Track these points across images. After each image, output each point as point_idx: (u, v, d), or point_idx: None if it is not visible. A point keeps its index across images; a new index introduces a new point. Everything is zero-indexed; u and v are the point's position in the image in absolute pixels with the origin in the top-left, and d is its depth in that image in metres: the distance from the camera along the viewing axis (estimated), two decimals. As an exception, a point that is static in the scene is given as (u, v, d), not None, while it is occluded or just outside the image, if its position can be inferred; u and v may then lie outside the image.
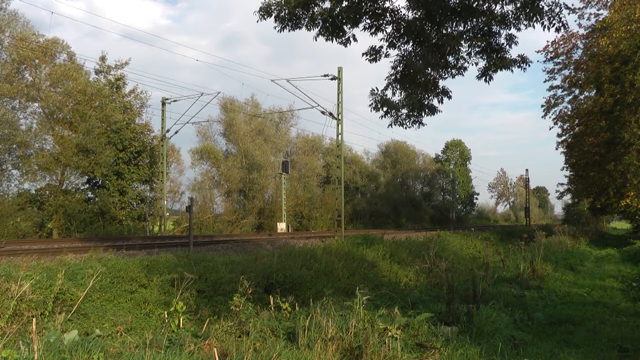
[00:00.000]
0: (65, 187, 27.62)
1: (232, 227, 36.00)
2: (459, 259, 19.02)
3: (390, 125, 8.33)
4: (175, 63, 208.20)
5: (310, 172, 45.00)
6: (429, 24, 7.58)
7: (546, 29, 6.80)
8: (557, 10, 6.72)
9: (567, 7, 6.85)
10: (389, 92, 8.18)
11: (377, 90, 8.06)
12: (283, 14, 7.20)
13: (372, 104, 8.04)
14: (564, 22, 6.75)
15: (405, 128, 8.70)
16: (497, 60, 7.61)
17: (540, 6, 6.72)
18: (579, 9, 24.52)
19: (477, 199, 78.09)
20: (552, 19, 6.74)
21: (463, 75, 8.23)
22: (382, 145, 61.98)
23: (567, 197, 57.58)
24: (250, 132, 41.49)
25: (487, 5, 7.13)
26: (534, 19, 6.79)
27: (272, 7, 7.15)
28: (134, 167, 30.58)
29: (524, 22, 6.98)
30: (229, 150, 42.57)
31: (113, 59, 41.59)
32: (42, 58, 25.93)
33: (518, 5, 6.86)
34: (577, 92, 28.00)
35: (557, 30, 6.82)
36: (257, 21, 7.31)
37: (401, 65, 8.03)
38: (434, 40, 7.59)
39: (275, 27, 7.35)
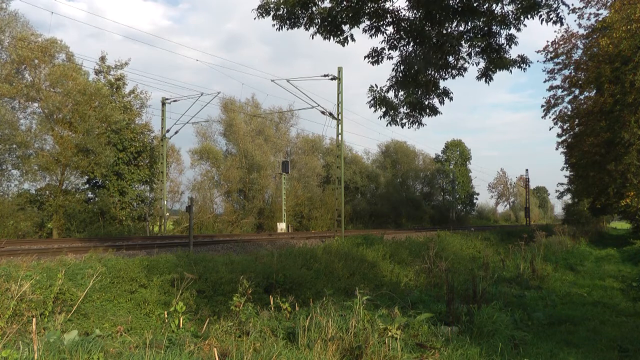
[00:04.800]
0: (65, 187, 27.62)
1: (232, 227, 35.98)
2: (459, 259, 19.01)
3: (389, 124, 8.32)
4: (176, 63, 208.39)
5: (310, 172, 44.98)
6: (429, 24, 7.58)
7: (544, 22, 6.83)
8: (555, 5, 6.75)
9: (564, 3, 6.90)
10: (390, 94, 8.18)
11: (377, 87, 8.06)
12: (281, 12, 7.19)
13: (370, 100, 8.04)
14: (562, 16, 6.78)
15: (403, 127, 8.70)
16: (497, 61, 7.62)
17: (537, 2, 6.74)
18: (579, 8, 24.55)
19: (477, 199, 78.18)
20: (550, 12, 6.77)
21: (463, 75, 8.25)
22: (382, 145, 62.04)
23: (567, 197, 57.67)
24: (250, 132, 41.48)
25: (487, 5, 7.14)
26: (532, 12, 6.82)
27: (271, 6, 7.13)
28: (134, 167, 30.57)
29: (522, 16, 7.01)
30: (229, 150, 42.57)
31: (113, 60, 41.64)
32: (41, 58, 25.92)
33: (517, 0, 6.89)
34: (577, 92, 28.00)
35: (555, 23, 6.85)
36: (255, 18, 7.28)
37: (402, 66, 8.03)
38: (434, 40, 7.59)
39: (274, 26, 7.35)
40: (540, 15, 6.82)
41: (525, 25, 7.22)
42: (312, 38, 7.56)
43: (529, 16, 6.96)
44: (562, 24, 6.88)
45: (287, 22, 7.31)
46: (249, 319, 6.19)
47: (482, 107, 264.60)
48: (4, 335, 5.51)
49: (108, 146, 28.03)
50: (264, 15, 7.21)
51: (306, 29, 7.42)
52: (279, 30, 7.37)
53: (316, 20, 7.33)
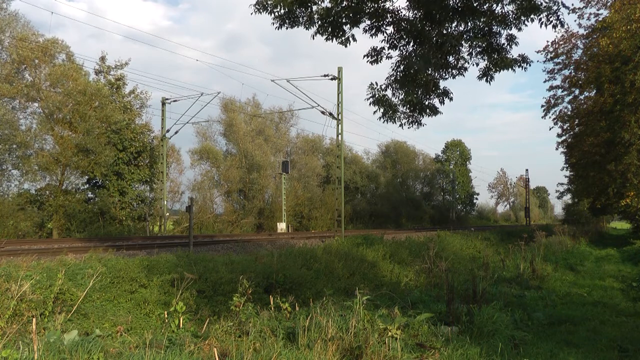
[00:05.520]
0: (65, 187, 27.62)
1: (232, 227, 35.99)
2: (459, 259, 19.01)
3: (386, 121, 8.28)
4: (176, 63, 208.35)
5: (310, 172, 44.98)
6: (429, 24, 7.58)
7: (544, 25, 6.82)
8: (555, 7, 6.74)
9: (564, 6, 6.88)
10: (388, 92, 8.17)
11: (377, 84, 8.05)
12: (279, 10, 7.16)
13: (369, 98, 8.03)
14: (562, 19, 6.76)
15: (402, 127, 8.68)
16: (498, 60, 7.61)
17: (538, 2, 6.73)
18: (579, 8, 24.52)
19: (477, 199, 78.16)
20: (550, 15, 6.75)
21: (463, 75, 8.24)
22: (382, 145, 62.02)
23: (567, 197, 57.68)
24: (251, 132, 41.48)
25: (487, 5, 7.13)
26: (532, 15, 6.81)
27: (268, 2, 7.10)
28: (134, 167, 30.57)
29: (522, 18, 7.00)
30: (229, 151, 42.58)
31: (113, 60, 41.62)
32: (41, 58, 25.92)
33: (518, 1, 6.87)
34: (577, 92, 27.98)
35: (555, 27, 6.83)
36: (252, 14, 7.25)
37: (402, 65, 8.02)
38: (434, 40, 7.58)
39: (273, 24, 7.33)
40: (540, 19, 6.80)
41: (526, 25, 7.21)
42: (313, 38, 7.56)
43: (529, 19, 6.94)
44: (562, 26, 6.86)
45: (287, 20, 7.30)
46: (249, 319, 6.19)
47: (482, 107, 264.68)
48: (4, 335, 5.51)
49: (108, 146, 28.02)
50: (260, 11, 7.16)
51: (306, 28, 7.40)
52: (279, 28, 7.35)
53: (316, 20, 7.32)
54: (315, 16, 7.26)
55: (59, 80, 25.90)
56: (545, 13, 6.74)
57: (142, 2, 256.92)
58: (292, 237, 25.28)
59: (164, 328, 6.50)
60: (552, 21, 6.78)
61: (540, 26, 6.84)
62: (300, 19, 7.31)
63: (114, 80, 31.25)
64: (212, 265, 10.93)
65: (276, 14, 7.16)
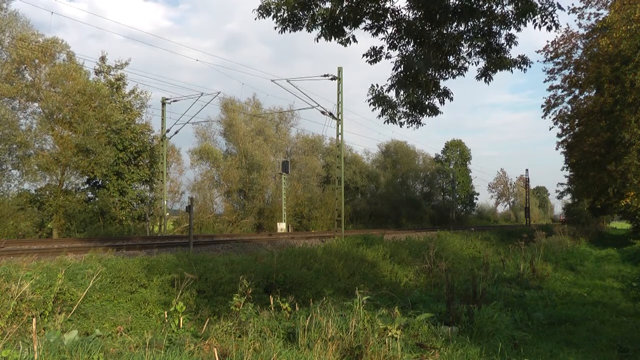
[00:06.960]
0: (65, 187, 27.61)
1: (232, 227, 35.99)
2: (459, 259, 19.01)
3: (387, 122, 8.31)
4: (176, 63, 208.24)
5: (310, 172, 44.96)
6: (429, 24, 7.58)
7: (537, 27, 6.81)
8: (551, 9, 6.74)
9: (560, 7, 6.88)
10: (392, 94, 8.18)
11: (377, 86, 8.06)
12: (282, 13, 7.18)
13: (370, 99, 8.04)
14: (557, 21, 6.77)
15: (402, 126, 8.69)
16: (497, 60, 7.61)
17: (534, 4, 6.73)
18: (579, 8, 24.54)
19: (477, 199, 78.17)
20: (544, 17, 6.75)
21: (464, 75, 8.25)
22: (382, 145, 62.00)
23: (567, 197, 57.71)
24: (250, 132, 41.48)
25: (487, 5, 7.13)
26: (527, 16, 6.81)
27: (272, 6, 7.13)
28: (134, 167, 30.57)
29: (519, 19, 7.00)
30: (229, 151, 42.58)
31: (114, 60, 41.62)
32: (42, 58, 25.91)
33: (515, 2, 6.88)
34: (577, 92, 27.99)
35: (549, 29, 6.84)
36: (255, 19, 7.29)
37: (402, 66, 8.02)
38: (434, 40, 7.59)
39: (276, 28, 7.34)
40: (535, 20, 6.80)
41: (525, 25, 7.21)
42: (317, 41, 7.56)
43: (524, 20, 6.92)
44: (557, 28, 6.85)
45: (290, 24, 7.30)
46: (249, 319, 6.19)
47: (482, 107, 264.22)
48: (4, 335, 5.52)
49: (108, 146, 28.01)
50: (264, 15, 7.20)
51: (309, 31, 7.41)
52: (282, 32, 7.35)
53: (318, 22, 7.32)
54: (319, 19, 7.25)
55: (58, 80, 25.88)
56: (540, 15, 6.74)
57: (142, 3, 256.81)
58: (292, 237, 25.28)
59: (164, 328, 6.50)
60: (546, 22, 6.78)
61: (535, 27, 6.85)
62: (303, 21, 7.31)
63: (114, 80, 31.24)
64: (212, 265, 10.93)
65: (279, 17, 7.18)
